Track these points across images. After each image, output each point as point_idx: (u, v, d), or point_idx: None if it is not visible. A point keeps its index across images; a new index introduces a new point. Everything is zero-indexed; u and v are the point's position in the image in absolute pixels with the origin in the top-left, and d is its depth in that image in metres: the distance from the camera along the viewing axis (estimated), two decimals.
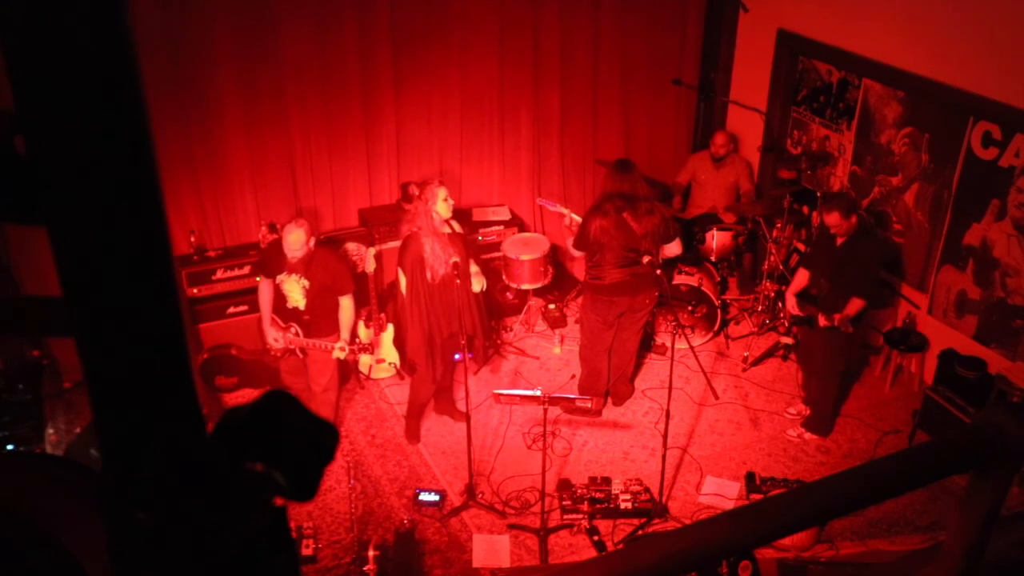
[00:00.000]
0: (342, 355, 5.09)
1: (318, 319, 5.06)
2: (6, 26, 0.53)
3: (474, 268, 5.06)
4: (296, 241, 4.77)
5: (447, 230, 4.95)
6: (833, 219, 5.02)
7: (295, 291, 4.99)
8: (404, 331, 5.13)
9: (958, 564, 1.62)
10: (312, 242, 4.90)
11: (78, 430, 4.94)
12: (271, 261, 5.05)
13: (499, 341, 6.46)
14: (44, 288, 2.33)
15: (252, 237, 6.15)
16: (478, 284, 5.10)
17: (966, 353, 5.47)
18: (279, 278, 4.99)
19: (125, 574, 0.66)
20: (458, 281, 4.89)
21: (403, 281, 4.97)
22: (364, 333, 5.79)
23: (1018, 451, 1.46)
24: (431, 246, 4.84)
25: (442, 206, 4.84)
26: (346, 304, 5.09)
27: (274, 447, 0.70)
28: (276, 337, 5.08)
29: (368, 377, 6.05)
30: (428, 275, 4.87)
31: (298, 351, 5.15)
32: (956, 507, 1.64)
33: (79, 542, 0.78)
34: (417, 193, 5.01)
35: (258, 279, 5.21)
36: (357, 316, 5.27)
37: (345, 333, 5.09)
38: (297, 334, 5.07)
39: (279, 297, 5.06)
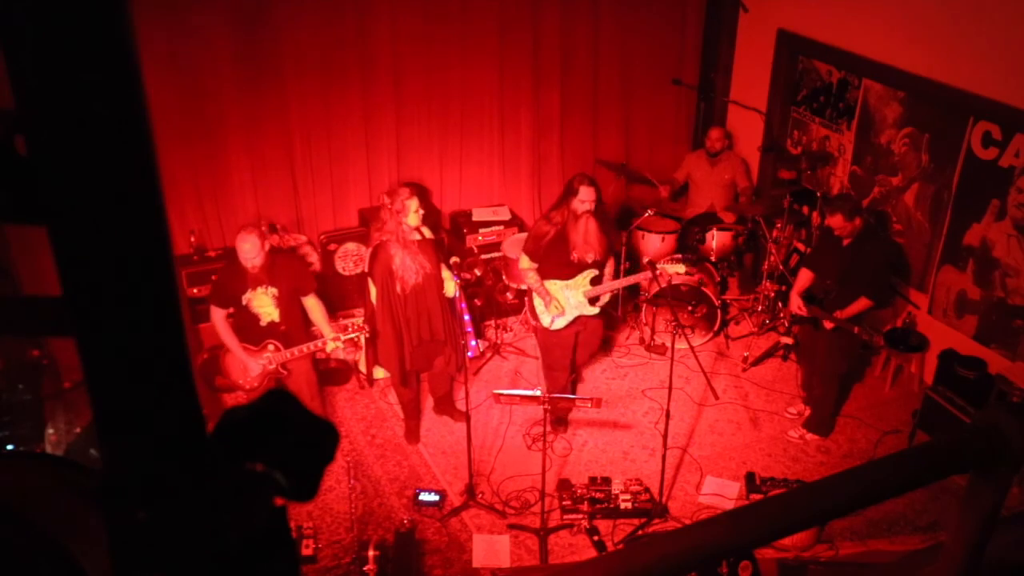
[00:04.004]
0: (340, 344, 5.01)
1: (293, 327, 4.95)
2: (6, 26, 0.53)
3: (446, 273, 5.00)
4: (252, 248, 4.61)
5: (417, 237, 4.89)
6: (836, 221, 5.01)
7: (266, 304, 4.82)
8: (375, 339, 5.10)
9: (958, 564, 1.61)
10: (267, 246, 4.75)
11: (78, 430, 4.93)
12: (229, 284, 4.83)
13: (498, 342, 6.46)
14: (44, 288, 2.33)
15: None
16: (450, 289, 5.03)
17: (966, 353, 5.46)
18: (245, 298, 4.78)
19: (125, 574, 0.66)
20: (456, 288, 4.89)
21: (373, 291, 4.96)
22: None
23: (1018, 451, 1.46)
24: (400, 257, 4.80)
25: (412, 217, 4.78)
26: (312, 303, 4.98)
27: (274, 447, 0.70)
28: (260, 362, 4.89)
29: (368, 376, 6.04)
30: (398, 287, 4.85)
31: (280, 368, 4.97)
32: (956, 507, 1.64)
33: (79, 542, 0.78)
34: (388, 202, 4.88)
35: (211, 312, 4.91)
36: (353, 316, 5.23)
37: (325, 328, 5.01)
38: (277, 349, 4.92)
39: (249, 320, 4.84)
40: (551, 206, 5.25)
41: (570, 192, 4.97)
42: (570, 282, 5.14)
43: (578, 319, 5.23)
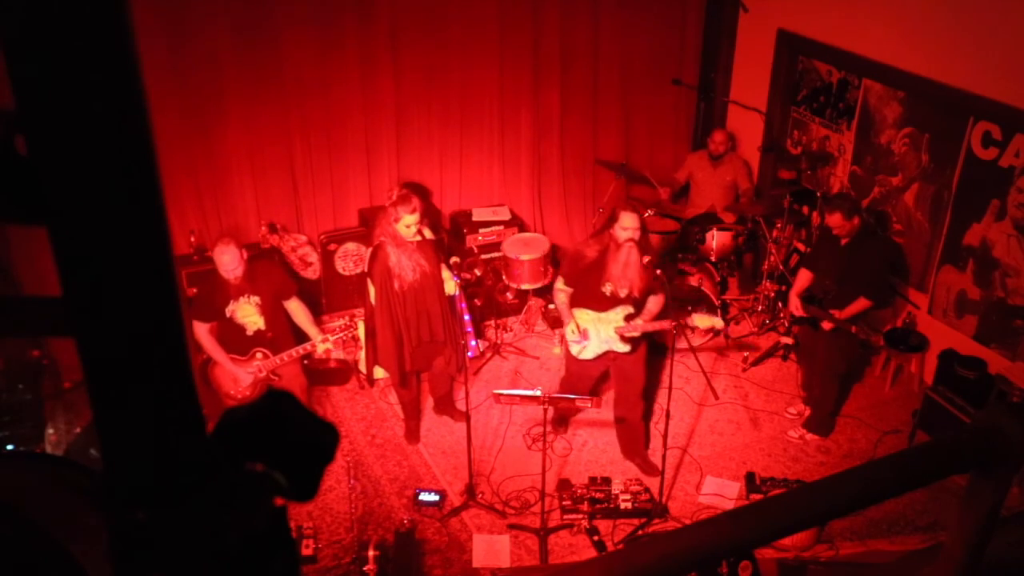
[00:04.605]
0: (330, 345, 4.98)
1: (280, 333, 4.94)
2: (7, 26, 0.53)
3: (445, 272, 4.98)
4: (232, 260, 4.60)
5: (417, 238, 4.86)
6: (835, 220, 5.02)
7: (251, 313, 4.80)
8: (375, 339, 5.10)
9: (958, 564, 1.62)
10: (245, 255, 4.72)
11: (78, 430, 4.93)
12: (211, 298, 4.79)
13: (498, 342, 6.46)
14: (44, 288, 2.33)
15: (252, 237, 6.15)
16: (450, 288, 5.00)
17: (966, 353, 5.46)
18: (229, 309, 4.76)
19: (125, 574, 0.66)
20: (457, 286, 4.87)
21: (372, 291, 4.95)
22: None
23: (1018, 451, 1.46)
24: (397, 256, 4.79)
25: (404, 230, 4.75)
26: (295, 306, 4.97)
27: (274, 447, 0.70)
28: (249, 371, 4.87)
29: (368, 376, 6.04)
30: (396, 285, 4.84)
31: (271, 375, 4.95)
32: (956, 507, 1.64)
33: (79, 542, 0.78)
34: (392, 198, 4.86)
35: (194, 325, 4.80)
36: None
37: (312, 329, 4.99)
38: (265, 356, 4.90)
39: (234, 330, 4.82)
40: (594, 231, 5.08)
41: (612, 219, 4.73)
42: (603, 315, 4.89)
43: (607, 354, 5.00)
